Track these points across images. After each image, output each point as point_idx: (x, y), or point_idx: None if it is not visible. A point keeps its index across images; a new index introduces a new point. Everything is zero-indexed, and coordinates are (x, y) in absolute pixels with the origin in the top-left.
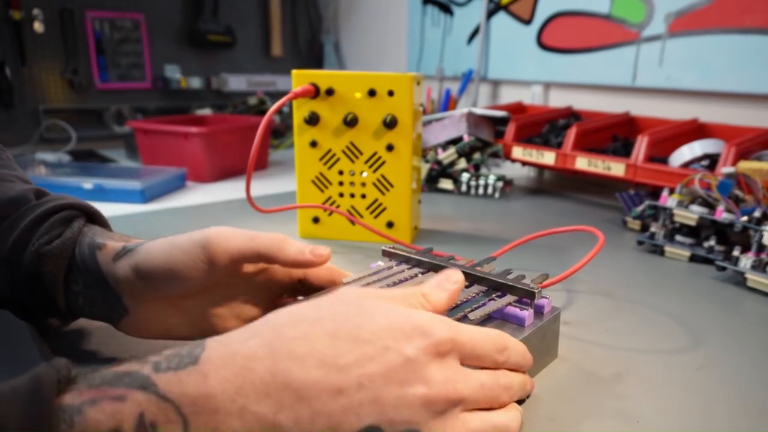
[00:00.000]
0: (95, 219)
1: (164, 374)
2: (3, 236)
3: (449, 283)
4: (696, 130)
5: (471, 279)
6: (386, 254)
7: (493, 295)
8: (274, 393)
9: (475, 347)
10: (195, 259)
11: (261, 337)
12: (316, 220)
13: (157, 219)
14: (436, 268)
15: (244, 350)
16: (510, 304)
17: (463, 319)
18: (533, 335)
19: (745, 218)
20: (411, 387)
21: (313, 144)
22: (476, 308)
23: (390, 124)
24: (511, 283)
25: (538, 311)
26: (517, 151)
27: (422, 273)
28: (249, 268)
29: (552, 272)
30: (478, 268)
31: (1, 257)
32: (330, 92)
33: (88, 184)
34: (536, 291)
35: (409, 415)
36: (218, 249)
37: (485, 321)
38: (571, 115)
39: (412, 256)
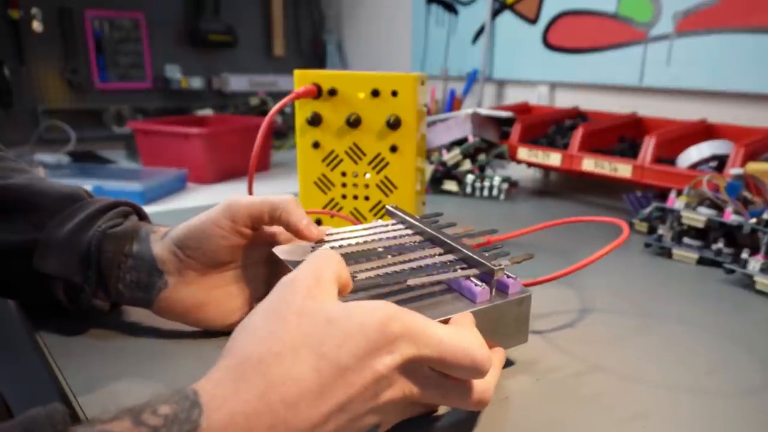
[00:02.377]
0: (143, 218)
1: None
2: (60, 224)
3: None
4: (704, 131)
5: (444, 247)
6: (389, 213)
7: (458, 267)
8: None
9: (446, 363)
10: (221, 217)
11: (252, 384)
12: (318, 222)
13: (157, 221)
14: (433, 238)
15: (242, 407)
16: (469, 277)
17: (402, 284)
18: (485, 312)
19: (753, 220)
20: (380, 397)
21: (316, 145)
22: (430, 275)
23: (394, 124)
24: (474, 257)
25: (502, 290)
26: (523, 153)
27: (415, 237)
28: (260, 229)
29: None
30: (452, 232)
31: (53, 242)
32: (333, 92)
33: (87, 185)
34: (496, 269)
35: (375, 417)
36: (239, 207)
37: (445, 291)
38: (578, 116)
39: (411, 220)
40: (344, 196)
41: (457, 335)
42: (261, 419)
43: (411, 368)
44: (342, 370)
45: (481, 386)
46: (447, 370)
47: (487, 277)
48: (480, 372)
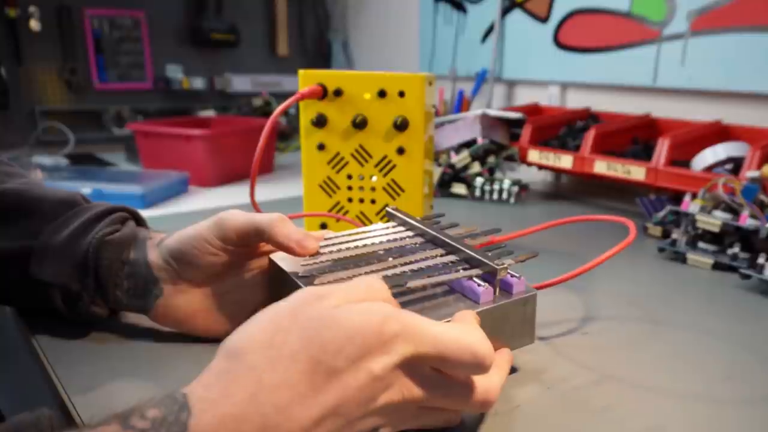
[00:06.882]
0: (141, 223)
1: None
2: (56, 230)
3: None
4: (719, 133)
5: (446, 248)
6: (389, 215)
7: (460, 267)
8: None
9: (445, 360)
10: (210, 235)
11: (243, 387)
12: (323, 225)
13: (158, 225)
14: (434, 239)
15: (232, 410)
16: (471, 278)
17: (403, 287)
18: (489, 313)
19: None
20: (377, 400)
21: (321, 147)
22: (431, 276)
23: (401, 126)
24: (476, 257)
25: (506, 290)
26: (533, 155)
27: (416, 239)
28: (252, 245)
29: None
30: (455, 233)
31: (50, 249)
32: (338, 93)
33: (86, 188)
34: (498, 268)
35: (375, 421)
36: (228, 225)
37: (447, 293)
38: (590, 117)
39: (412, 222)
40: (350, 200)
41: (455, 330)
42: (251, 422)
43: (410, 369)
44: (336, 372)
45: (484, 385)
46: (447, 367)
47: (490, 277)
48: (481, 366)
